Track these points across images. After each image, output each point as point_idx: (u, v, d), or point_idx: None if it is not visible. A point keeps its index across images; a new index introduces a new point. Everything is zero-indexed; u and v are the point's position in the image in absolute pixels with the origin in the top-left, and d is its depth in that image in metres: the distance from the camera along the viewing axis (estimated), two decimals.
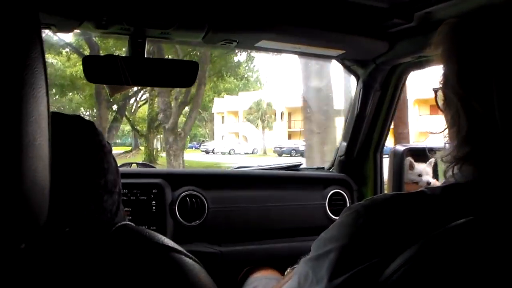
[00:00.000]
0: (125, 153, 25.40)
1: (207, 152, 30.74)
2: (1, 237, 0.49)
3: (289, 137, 35.16)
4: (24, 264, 0.57)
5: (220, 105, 35.66)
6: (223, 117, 39.70)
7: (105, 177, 0.90)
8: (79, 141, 0.89)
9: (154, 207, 2.04)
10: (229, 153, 30.50)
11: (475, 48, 0.83)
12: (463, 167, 0.85)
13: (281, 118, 37.05)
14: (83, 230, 0.66)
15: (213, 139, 36.78)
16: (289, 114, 36.51)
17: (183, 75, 1.78)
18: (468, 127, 0.84)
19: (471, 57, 0.83)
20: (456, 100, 0.86)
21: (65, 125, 0.89)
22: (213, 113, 36.91)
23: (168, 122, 14.94)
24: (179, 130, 15.66)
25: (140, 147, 26.08)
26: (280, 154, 28.38)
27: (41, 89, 0.50)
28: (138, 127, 25.02)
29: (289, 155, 27.17)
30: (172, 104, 15.47)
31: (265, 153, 32.01)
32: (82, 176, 0.86)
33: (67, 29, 1.66)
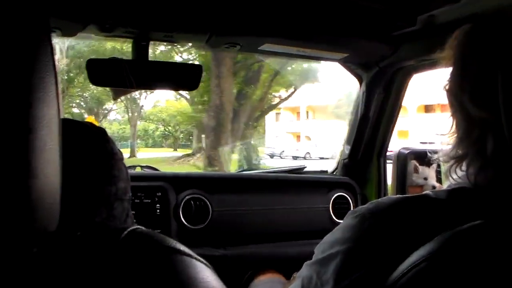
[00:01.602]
0: (185, 157, 22.23)
1: (272, 156, 24.38)
2: (13, 241, 0.49)
3: None
4: (36, 268, 0.57)
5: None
6: (277, 114, 32.67)
7: (116, 184, 0.90)
8: (90, 148, 0.89)
9: (158, 210, 2.04)
10: (305, 157, 23.46)
11: (482, 52, 0.83)
12: (463, 169, 0.86)
13: (307, 117, 30.61)
14: (93, 235, 0.67)
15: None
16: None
17: (187, 78, 1.78)
18: (464, 128, 0.86)
19: (478, 61, 0.84)
20: (454, 102, 0.87)
21: (76, 132, 0.89)
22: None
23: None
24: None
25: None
26: None
27: (52, 94, 0.50)
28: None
29: None
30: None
31: None
32: (92, 183, 0.86)
33: (71, 32, 1.67)
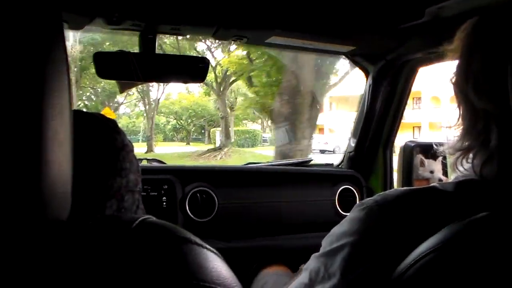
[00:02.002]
0: (210, 152, 20.90)
1: (323, 151, 21.71)
2: (25, 228, 0.50)
3: None
4: (46, 256, 0.57)
5: None
6: None
7: (127, 176, 0.90)
8: (101, 140, 0.89)
9: (164, 203, 2.05)
10: (334, 151, 21.06)
11: (488, 44, 0.83)
12: (469, 161, 0.86)
13: (330, 108, 28.89)
14: (104, 226, 0.67)
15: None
16: None
17: (194, 70, 1.79)
18: (469, 120, 0.86)
19: (483, 53, 0.84)
20: (459, 94, 0.88)
21: (87, 123, 0.89)
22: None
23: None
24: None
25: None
26: None
27: (64, 84, 0.51)
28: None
29: None
30: None
31: None
32: (103, 175, 0.86)
33: (78, 25, 1.67)
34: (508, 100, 0.76)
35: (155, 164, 2.47)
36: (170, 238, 0.64)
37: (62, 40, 0.51)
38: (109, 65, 1.69)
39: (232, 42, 1.87)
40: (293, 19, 1.72)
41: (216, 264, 0.64)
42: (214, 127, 32.31)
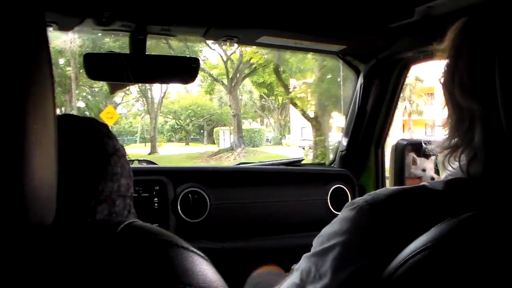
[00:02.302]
0: (222, 153, 20.05)
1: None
2: (9, 233, 0.49)
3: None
4: (31, 260, 0.57)
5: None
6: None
7: (118, 181, 0.90)
8: (92, 145, 0.89)
9: (156, 204, 2.05)
10: None
11: (475, 43, 0.83)
12: (456, 159, 0.87)
13: None
14: (91, 230, 0.67)
15: (288, 134, 28.73)
16: None
17: (184, 71, 1.78)
18: (456, 119, 0.87)
19: (470, 52, 0.84)
20: (447, 93, 0.89)
21: (78, 128, 0.89)
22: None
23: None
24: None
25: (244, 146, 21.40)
26: None
27: (47, 88, 0.50)
28: None
29: None
30: None
31: None
32: (93, 180, 0.86)
33: (68, 27, 1.66)
34: (491, 99, 0.77)
35: (146, 165, 2.47)
36: (155, 242, 0.63)
37: (46, 43, 0.50)
38: (99, 67, 1.69)
39: (222, 42, 1.86)
40: (284, 19, 1.72)
41: (203, 268, 0.63)
42: (213, 127, 31.84)
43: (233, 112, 22.11)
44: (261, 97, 28.38)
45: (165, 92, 26.70)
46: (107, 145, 0.91)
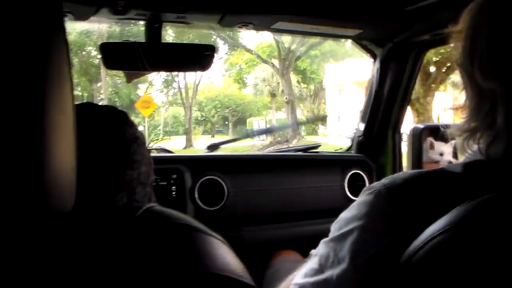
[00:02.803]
0: (276, 144, 18.38)
1: None
2: (29, 219, 0.50)
3: None
4: (52, 245, 0.58)
5: (336, 73, 24.86)
6: (341, 90, 26.44)
7: (138, 169, 0.91)
8: (112, 133, 0.89)
9: (174, 193, 2.06)
10: None
11: (493, 22, 0.82)
12: (475, 142, 0.86)
13: None
14: (111, 215, 0.67)
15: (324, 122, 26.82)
16: None
17: (200, 58, 1.78)
18: (476, 101, 0.85)
19: (489, 31, 0.83)
20: (465, 75, 0.87)
21: (98, 116, 0.90)
22: (323, 86, 26.96)
23: None
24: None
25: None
26: None
27: (65, 76, 0.50)
28: None
29: None
30: None
31: None
32: (113, 167, 0.86)
33: (84, 16, 1.67)
34: None
35: (163, 154, 2.48)
36: (174, 226, 0.64)
37: (63, 32, 0.50)
38: (116, 56, 1.70)
39: (238, 28, 1.86)
40: (299, 4, 1.71)
41: (222, 251, 0.64)
42: (238, 118, 30.89)
43: (286, 98, 20.54)
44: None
45: (199, 81, 25.83)
46: (127, 133, 0.91)
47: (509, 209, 0.70)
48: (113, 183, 0.86)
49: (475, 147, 0.87)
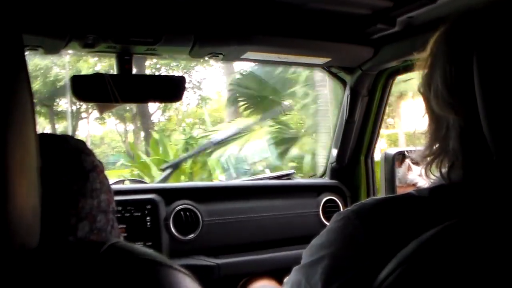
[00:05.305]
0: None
1: None
2: None
3: None
4: (17, 284, 0.57)
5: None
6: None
7: (98, 197, 0.90)
8: (69, 162, 0.88)
9: (149, 223, 2.04)
10: None
11: (449, 50, 0.84)
12: (438, 166, 0.88)
13: None
14: (74, 250, 0.67)
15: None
16: None
17: (171, 90, 1.79)
18: (433, 128, 0.88)
19: (444, 59, 0.85)
20: (424, 101, 0.90)
21: (54, 146, 0.89)
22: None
23: None
24: None
25: None
26: None
27: (28, 112, 0.50)
28: None
29: None
30: None
31: None
32: (72, 198, 0.85)
33: (54, 50, 1.67)
34: (465, 107, 0.78)
35: (137, 184, 2.46)
36: (139, 262, 0.64)
37: (25, 72, 0.50)
38: (86, 88, 1.69)
39: (207, 59, 1.88)
40: (268, 35, 1.74)
41: (187, 285, 0.64)
42: None
43: None
44: None
45: None
46: (85, 162, 0.90)
47: (470, 234, 0.71)
48: (73, 213, 0.84)
49: (438, 172, 0.89)
